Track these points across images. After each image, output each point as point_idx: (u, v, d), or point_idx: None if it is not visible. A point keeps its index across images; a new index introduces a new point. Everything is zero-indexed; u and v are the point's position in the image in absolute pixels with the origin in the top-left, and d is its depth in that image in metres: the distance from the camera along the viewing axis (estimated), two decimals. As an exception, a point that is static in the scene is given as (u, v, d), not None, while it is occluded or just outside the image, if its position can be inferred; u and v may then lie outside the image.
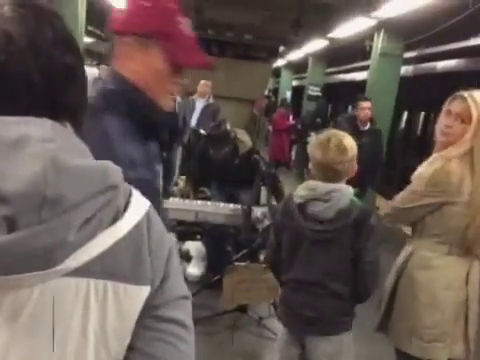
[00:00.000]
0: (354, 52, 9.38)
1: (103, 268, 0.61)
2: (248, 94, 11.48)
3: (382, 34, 6.92)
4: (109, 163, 0.65)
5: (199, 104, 6.63)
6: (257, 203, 3.41)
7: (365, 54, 8.05)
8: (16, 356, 0.58)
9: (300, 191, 2.01)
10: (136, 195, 0.69)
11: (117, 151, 1.18)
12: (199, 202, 3.37)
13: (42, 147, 0.58)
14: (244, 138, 3.79)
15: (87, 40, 10.07)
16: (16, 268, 0.55)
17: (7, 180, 0.55)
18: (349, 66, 11.11)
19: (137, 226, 0.65)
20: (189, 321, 0.71)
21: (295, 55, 11.93)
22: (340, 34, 7.73)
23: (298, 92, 14.60)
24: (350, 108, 9.79)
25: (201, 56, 1.33)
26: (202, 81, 6.71)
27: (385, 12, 5.98)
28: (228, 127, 3.69)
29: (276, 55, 12.68)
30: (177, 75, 1.30)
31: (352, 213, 1.93)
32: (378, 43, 7.03)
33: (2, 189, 0.55)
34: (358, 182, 2.02)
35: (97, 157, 0.97)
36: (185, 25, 1.29)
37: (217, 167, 3.59)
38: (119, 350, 0.64)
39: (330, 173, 1.96)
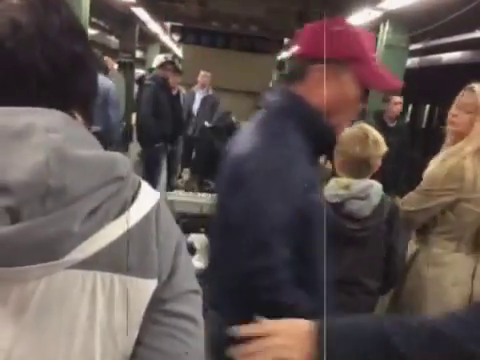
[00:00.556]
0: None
1: (110, 260, 0.61)
2: (252, 86, 11.45)
3: (387, 26, 6.87)
4: (117, 154, 0.64)
5: (199, 95, 6.64)
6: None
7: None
8: (23, 349, 0.58)
9: (333, 190, 1.94)
10: (145, 187, 0.68)
11: (306, 174, 1.21)
12: (204, 195, 3.36)
13: (46, 137, 0.57)
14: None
15: (91, 32, 10.06)
16: (20, 260, 0.54)
17: (10, 170, 0.55)
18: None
19: (145, 218, 0.65)
20: (199, 316, 0.70)
21: (300, 47, 11.83)
22: (345, 26, 7.66)
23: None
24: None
25: (388, 76, 1.32)
26: (202, 72, 6.71)
27: (390, 4, 5.93)
28: (233, 119, 3.67)
29: (281, 47, 12.60)
30: (363, 100, 1.30)
31: (385, 209, 1.92)
32: (383, 35, 6.98)
33: (5, 179, 0.54)
34: (380, 180, 2.00)
35: (296, 180, 1.10)
36: (370, 47, 1.29)
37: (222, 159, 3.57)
38: (126, 344, 0.64)
39: (364, 169, 1.94)
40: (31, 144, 0.56)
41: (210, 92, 6.80)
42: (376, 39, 7.38)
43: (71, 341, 0.60)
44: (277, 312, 1.07)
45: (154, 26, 10.20)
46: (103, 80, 4.75)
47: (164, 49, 15.92)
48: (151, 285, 0.65)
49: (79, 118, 0.67)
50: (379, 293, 2.05)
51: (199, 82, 6.70)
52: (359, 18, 6.91)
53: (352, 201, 1.92)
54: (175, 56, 6.28)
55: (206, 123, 4.50)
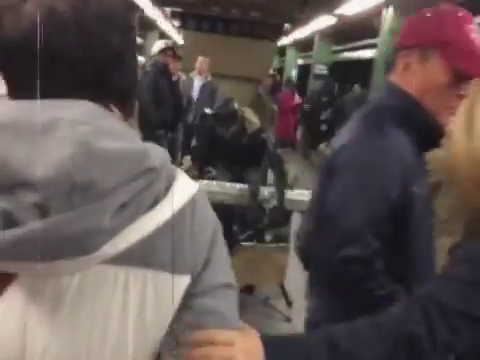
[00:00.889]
0: (362, 30, 9.21)
1: (142, 256, 0.60)
2: (253, 73, 11.35)
3: (391, 11, 6.78)
4: (149, 145, 0.62)
5: (197, 82, 6.54)
6: (264, 183, 3.36)
7: (373, 32, 7.91)
8: (58, 345, 0.59)
9: None
10: (182, 179, 0.66)
11: (406, 168, 1.21)
12: (205, 182, 3.32)
13: (73, 130, 0.56)
14: (252, 117, 3.73)
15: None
16: (50, 255, 0.54)
17: (35, 166, 0.54)
18: (357, 44, 10.93)
19: (179, 211, 0.63)
20: (228, 311, 0.68)
21: (301, 33, 11.74)
22: (348, 11, 7.57)
23: (304, 71, 14.43)
24: (356, 86, 9.64)
25: None
26: (200, 58, 6.62)
27: (394, -12, 5.85)
28: (235, 106, 3.62)
29: (281, 33, 12.48)
30: (460, 86, 1.22)
31: None
32: (386, 20, 6.90)
33: (31, 175, 0.54)
34: None
35: (391, 176, 1.16)
36: (472, 31, 1.22)
37: (224, 146, 3.54)
38: (158, 340, 0.64)
39: None
40: (56, 138, 0.55)
41: (209, 78, 6.70)
42: (379, 24, 7.30)
43: (104, 336, 0.60)
44: (370, 302, 1.17)
45: (153, 12, 10.08)
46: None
47: (163, 36, 15.82)
48: (184, 281, 0.64)
49: (115, 111, 0.65)
50: None
51: (197, 68, 6.59)
52: (362, 3, 6.82)
53: None
54: (174, 43, 6.19)
55: (207, 110, 4.45)
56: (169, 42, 5.25)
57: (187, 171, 4.37)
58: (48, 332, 0.58)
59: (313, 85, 11.38)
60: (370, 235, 1.17)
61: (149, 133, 4.97)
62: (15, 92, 0.61)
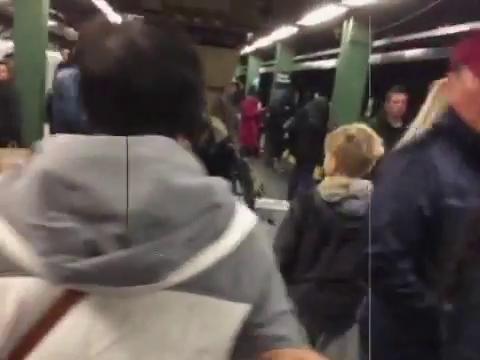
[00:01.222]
0: (323, 40, 9.38)
1: (203, 284, 0.65)
2: (215, 81, 11.35)
3: (351, 22, 6.93)
4: (215, 180, 0.67)
5: None
6: (233, 192, 3.37)
7: (334, 42, 8.05)
8: (117, 358, 0.63)
9: (331, 189, 1.93)
10: (242, 212, 0.69)
11: (442, 181, 1.30)
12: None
13: (151, 167, 0.61)
14: (219, 126, 3.73)
15: (50, 23, 9.74)
16: (127, 281, 0.60)
17: (119, 200, 0.59)
18: (318, 54, 11.12)
19: (240, 244, 0.67)
20: (292, 335, 0.71)
21: (263, 42, 11.85)
22: (310, 21, 7.70)
23: (266, 79, 14.55)
24: (316, 95, 9.78)
25: None
26: None
27: (355, 0, 5.97)
28: (205, 115, 3.62)
29: (244, 42, 12.55)
30: None
31: None
32: (348, 31, 7.04)
33: (116, 209, 0.59)
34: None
35: (420, 185, 1.29)
36: None
37: (194, 154, 3.52)
38: None
39: (366, 169, 1.96)
40: (138, 175, 0.61)
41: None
42: (339, 35, 7.44)
43: (162, 354, 0.65)
44: (393, 298, 1.33)
45: (115, 18, 9.97)
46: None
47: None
48: (242, 309, 0.67)
49: (184, 142, 0.70)
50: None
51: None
52: (324, 14, 6.94)
53: (349, 200, 1.92)
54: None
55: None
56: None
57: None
58: (111, 347, 0.63)
59: (275, 94, 11.48)
60: (391, 235, 1.32)
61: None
62: (94, 124, 0.66)
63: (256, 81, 15.04)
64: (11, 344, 0.62)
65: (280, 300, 0.72)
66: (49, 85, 6.51)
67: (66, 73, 5.09)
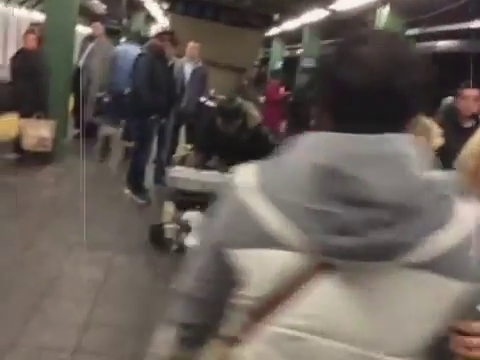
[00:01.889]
0: (353, 26, 9.21)
1: (437, 265, 0.74)
2: (239, 62, 11.23)
3: (386, 9, 6.78)
4: (442, 175, 0.78)
5: (188, 68, 6.40)
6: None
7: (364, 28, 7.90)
8: (362, 324, 0.76)
9: None
10: (462, 203, 0.77)
11: None
12: (206, 172, 3.26)
13: (398, 162, 0.73)
14: (253, 112, 3.68)
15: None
16: (378, 258, 0.73)
17: (377, 189, 0.71)
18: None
19: (468, 232, 0.76)
20: None
21: (291, 24, 11.67)
22: (343, 6, 7.55)
23: (289, 63, 14.37)
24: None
25: None
26: (190, 43, 6.48)
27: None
28: (239, 101, 3.57)
29: (270, 23, 12.36)
30: None
31: None
32: (381, 18, 6.90)
33: (373, 196, 0.71)
34: None
35: None
36: None
37: (226, 140, 3.48)
38: (433, 334, 0.79)
39: None
40: (391, 168, 0.72)
41: (200, 64, 6.58)
42: (371, 22, 7.29)
43: (399, 323, 0.77)
44: None
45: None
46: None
47: (149, 18, 15.50)
48: (464, 287, 0.76)
49: (409, 135, 0.77)
50: None
51: (188, 53, 6.47)
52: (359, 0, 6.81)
53: None
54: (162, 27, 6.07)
55: (209, 102, 4.35)
56: (166, 27, 5.13)
57: (190, 161, 4.29)
58: (355, 313, 0.76)
59: (300, 78, 11.33)
60: None
61: (142, 118, 4.85)
62: (343, 126, 0.75)
63: (279, 64, 14.85)
64: (272, 299, 0.78)
65: None
66: (76, 58, 6.46)
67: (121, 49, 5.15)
